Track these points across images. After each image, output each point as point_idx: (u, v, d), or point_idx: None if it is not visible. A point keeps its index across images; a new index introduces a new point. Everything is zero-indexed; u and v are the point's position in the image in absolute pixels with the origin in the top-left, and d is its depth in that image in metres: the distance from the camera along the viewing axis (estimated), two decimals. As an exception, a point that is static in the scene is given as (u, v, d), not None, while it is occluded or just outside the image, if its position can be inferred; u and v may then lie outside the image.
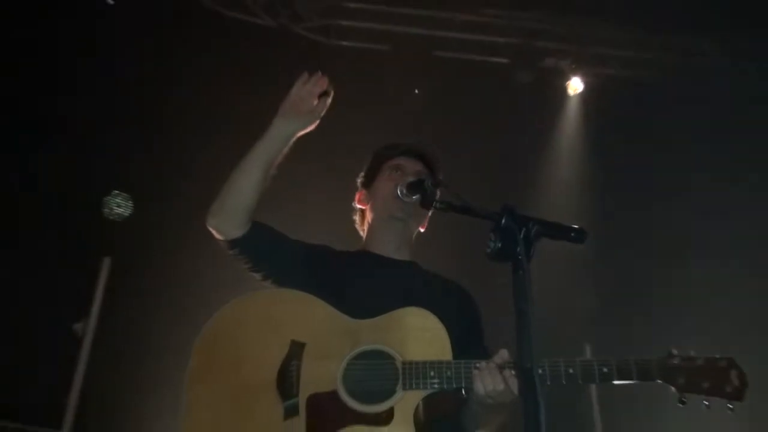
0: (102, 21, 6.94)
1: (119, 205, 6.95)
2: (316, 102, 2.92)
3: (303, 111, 2.90)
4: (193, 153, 6.81)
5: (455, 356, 2.59)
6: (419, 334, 2.63)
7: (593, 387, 7.35)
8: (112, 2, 7.15)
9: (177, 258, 6.33)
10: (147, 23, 6.90)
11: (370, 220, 3.21)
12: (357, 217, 3.33)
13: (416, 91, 8.02)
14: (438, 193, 2.67)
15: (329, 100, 2.97)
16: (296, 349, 2.63)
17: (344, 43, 8.21)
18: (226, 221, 2.84)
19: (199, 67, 7.10)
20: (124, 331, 6.34)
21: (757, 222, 7.07)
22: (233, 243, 2.84)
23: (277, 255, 2.91)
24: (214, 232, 2.86)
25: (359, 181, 3.36)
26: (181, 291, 5.95)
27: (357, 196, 3.33)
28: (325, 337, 2.65)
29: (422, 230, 3.25)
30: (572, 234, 2.12)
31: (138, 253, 6.63)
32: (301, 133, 2.94)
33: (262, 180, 2.84)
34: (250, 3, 7.95)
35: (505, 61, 8.28)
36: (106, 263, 6.69)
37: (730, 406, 2.50)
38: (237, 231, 2.83)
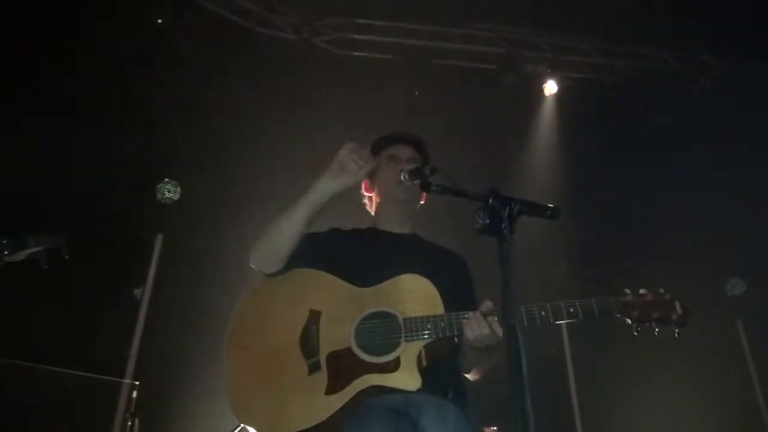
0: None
1: (170, 191, 6.98)
2: (359, 165, 2.75)
3: (348, 171, 2.73)
4: (236, 146, 6.84)
5: (449, 311, 2.60)
6: (415, 295, 2.65)
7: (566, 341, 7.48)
8: (159, 21, 7.16)
9: (218, 235, 6.36)
10: (189, 38, 6.90)
11: (377, 203, 3.19)
12: (366, 201, 3.30)
13: (416, 93, 8.00)
14: (434, 177, 2.66)
15: (371, 166, 2.81)
16: (314, 317, 2.66)
17: (356, 53, 8.19)
18: (267, 266, 2.79)
19: (234, 72, 7.11)
20: (175, 295, 6.38)
21: (708, 201, 7.10)
22: (274, 274, 2.80)
23: (307, 263, 2.84)
24: (255, 269, 2.81)
25: None
26: (222, 263, 5.97)
27: (363, 185, 3.26)
28: (337, 304, 2.67)
29: (422, 203, 3.22)
30: (547, 212, 2.12)
31: (185, 231, 6.65)
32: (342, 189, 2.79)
33: (303, 232, 2.76)
34: (278, 21, 7.94)
35: (492, 67, 8.25)
36: (159, 239, 6.74)
37: (677, 331, 2.53)
38: (277, 267, 2.78)
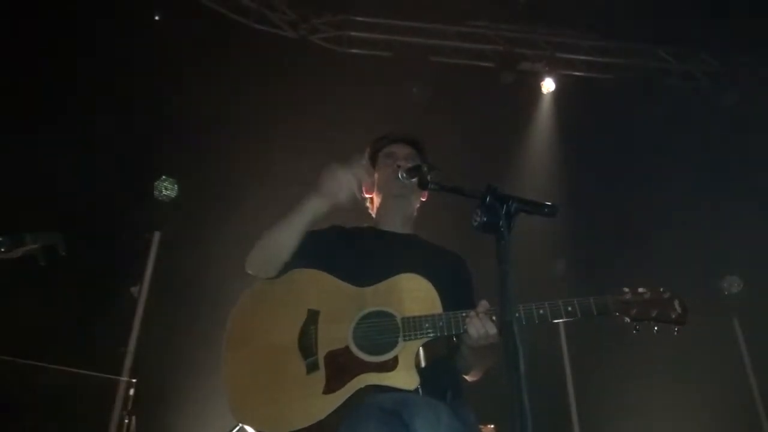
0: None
1: (167, 188, 6.96)
2: (341, 188, 2.66)
3: (342, 193, 2.67)
4: (233, 144, 6.82)
5: (448, 310, 2.59)
6: (413, 294, 2.64)
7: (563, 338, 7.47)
8: (157, 18, 7.15)
9: (215, 232, 6.35)
10: (187, 35, 6.87)
11: (377, 203, 3.18)
12: (369, 204, 3.28)
13: (414, 90, 7.98)
14: (432, 175, 2.62)
15: (353, 188, 2.68)
16: (312, 316, 2.65)
17: (354, 50, 8.18)
18: (263, 272, 2.78)
19: (231, 70, 7.10)
20: (172, 292, 6.37)
21: (704, 199, 7.09)
22: (272, 278, 2.80)
23: (306, 261, 2.82)
24: (253, 274, 2.81)
25: None
26: (219, 261, 5.96)
27: (363, 187, 3.28)
28: (335, 304, 2.66)
29: (423, 200, 3.21)
30: (545, 209, 2.11)
31: (182, 229, 6.64)
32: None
33: (296, 244, 2.74)
34: (276, 19, 7.93)
35: (489, 65, 8.25)
36: (157, 236, 6.72)
37: (676, 329, 2.53)
38: (274, 273, 2.78)
